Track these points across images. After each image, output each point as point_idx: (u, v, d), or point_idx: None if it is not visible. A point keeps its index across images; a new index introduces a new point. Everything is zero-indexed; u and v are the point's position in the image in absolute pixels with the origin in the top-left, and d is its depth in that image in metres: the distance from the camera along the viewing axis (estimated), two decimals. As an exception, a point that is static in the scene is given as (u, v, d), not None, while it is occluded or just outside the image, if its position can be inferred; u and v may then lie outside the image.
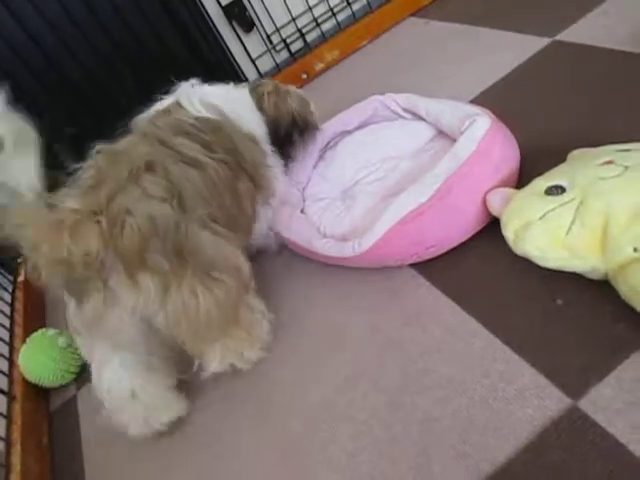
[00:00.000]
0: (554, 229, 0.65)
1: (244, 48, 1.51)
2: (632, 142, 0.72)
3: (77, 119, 1.38)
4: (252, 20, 1.48)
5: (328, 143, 1.12)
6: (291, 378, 0.80)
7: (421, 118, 1.05)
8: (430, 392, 0.68)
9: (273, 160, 0.98)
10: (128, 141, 0.83)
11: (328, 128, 1.11)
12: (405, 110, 1.09)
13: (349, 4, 1.57)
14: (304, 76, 1.57)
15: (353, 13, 1.58)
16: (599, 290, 0.66)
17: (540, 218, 0.67)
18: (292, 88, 1.05)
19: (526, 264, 0.70)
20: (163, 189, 0.73)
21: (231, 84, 1.00)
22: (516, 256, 0.71)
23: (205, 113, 0.89)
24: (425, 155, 0.98)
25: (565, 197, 0.67)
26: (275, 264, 1.00)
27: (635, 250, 0.59)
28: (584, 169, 0.69)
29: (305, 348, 0.83)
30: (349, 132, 1.12)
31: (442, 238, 0.81)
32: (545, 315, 0.69)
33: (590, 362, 0.62)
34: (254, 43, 1.53)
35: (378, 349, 0.77)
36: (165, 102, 0.93)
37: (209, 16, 1.44)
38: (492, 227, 0.78)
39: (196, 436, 0.81)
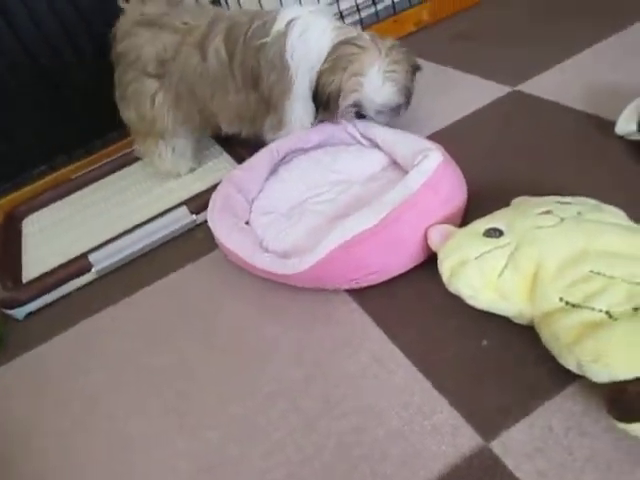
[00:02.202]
0: (488, 270, 0.66)
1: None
2: (573, 196, 0.74)
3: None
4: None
5: (283, 157, 1.12)
6: (214, 388, 0.77)
7: (377, 146, 1.06)
8: (348, 419, 0.67)
9: (299, 98, 1.04)
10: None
11: (285, 143, 1.10)
12: (363, 136, 1.10)
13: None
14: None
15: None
16: (524, 335, 0.68)
17: (476, 258, 0.68)
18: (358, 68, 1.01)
19: (458, 303, 0.71)
20: None
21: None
22: (449, 293, 0.72)
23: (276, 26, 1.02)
24: (377, 183, 0.99)
25: (502, 241, 0.68)
26: (213, 274, 0.98)
27: (560, 300, 0.60)
28: (523, 216, 0.71)
29: (232, 359, 0.81)
30: (305, 150, 1.12)
31: (383, 267, 0.81)
32: (469, 354, 0.69)
33: (507, 405, 0.63)
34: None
35: (303, 369, 0.75)
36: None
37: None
38: (431, 262, 0.78)
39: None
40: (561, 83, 1.15)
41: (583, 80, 1.13)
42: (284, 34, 1.03)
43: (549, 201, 0.73)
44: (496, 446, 0.59)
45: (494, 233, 0.70)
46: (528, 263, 0.64)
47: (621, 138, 0.93)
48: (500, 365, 0.67)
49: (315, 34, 1.02)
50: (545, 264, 0.63)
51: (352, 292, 0.84)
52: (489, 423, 0.62)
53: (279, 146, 1.10)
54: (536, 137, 1.03)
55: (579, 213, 0.69)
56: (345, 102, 1.03)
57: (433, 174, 0.84)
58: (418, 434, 0.63)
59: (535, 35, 1.39)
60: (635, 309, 0.54)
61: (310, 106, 1.07)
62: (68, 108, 1.39)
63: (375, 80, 1.00)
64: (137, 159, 1.38)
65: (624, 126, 0.91)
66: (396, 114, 1.08)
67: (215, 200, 1.00)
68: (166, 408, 0.77)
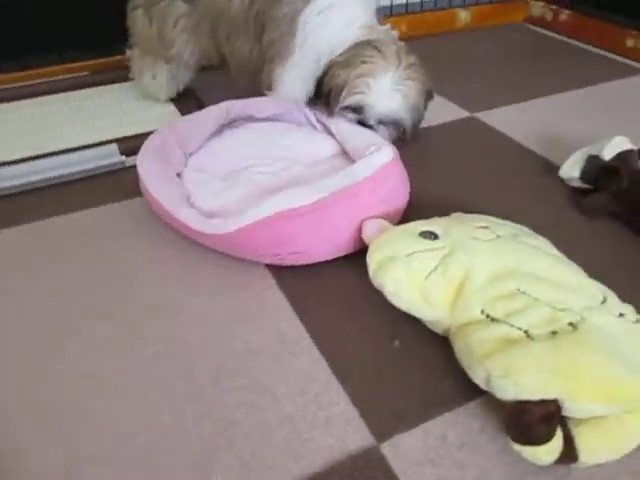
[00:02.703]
0: (416, 270, 0.64)
1: None
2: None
3: None
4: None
5: (232, 121, 1.06)
6: (94, 340, 0.70)
7: (330, 133, 1.03)
8: (238, 394, 0.62)
9: (293, 68, 1.00)
10: None
11: (238, 105, 1.04)
12: (318, 120, 1.06)
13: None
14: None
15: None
16: (437, 344, 0.66)
17: (406, 255, 0.65)
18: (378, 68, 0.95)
19: (378, 301, 0.68)
20: None
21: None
22: (371, 290, 0.68)
23: None
24: (321, 167, 0.95)
25: (436, 244, 0.66)
26: (127, 221, 0.90)
27: (482, 312, 0.58)
28: (461, 226, 0.69)
29: (123, 311, 0.73)
30: (256, 119, 1.07)
31: (309, 248, 0.77)
32: (379, 353, 0.67)
33: (405, 409, 0.60)
34: None
35: (201, 334, 0.70)
36: None
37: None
38: (361, 256, 0.75)
39: None
40: (517, 120, 1.18)
41: (537, 123, 1.16)
42: (306, 1, 0.97)
43: (488, 218, 0.73)
44: (386, 448, 0.56)
45: (429, 235, 0.68)
46: (457, 270, 0.62)
47: (562, 182, 0.95)
48: (407, 369, 0.64)
49: (340, 22, 0.97)
50: (473, 274, 0.61)
51: (272, 268, 0.79)
52: (384, 424, 0.59)
53: (230, 107, 1.04)
54: (484, 163, 1.04)
55: (514, 235, 0.68)
56: (346, 101, 0.97)
57: (380, 169, 0.81)
58: (309, 423, 0.59)
59: (503, 72, 1.42)
60: (553, 333, 0.53)
61: (304, 82, 1.03)
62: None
63: (384, 87, 0.95)
64: (83, 86, 1.29)
65: (568, 171, 0.93)
66: (399, 132, 1.01)
67: (149, 144, 0.93)
68: (37, 349, 0.68)
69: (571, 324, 0.54)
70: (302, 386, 0.63)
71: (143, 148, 0.92)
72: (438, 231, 0.68)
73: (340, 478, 0.54)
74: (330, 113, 1.01)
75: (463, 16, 1.71)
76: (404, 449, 0.56)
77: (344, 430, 0.58)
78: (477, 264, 0.62)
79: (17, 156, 1.02)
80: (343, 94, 0.96)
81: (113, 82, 1.33)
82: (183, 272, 0.80)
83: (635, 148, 0.86)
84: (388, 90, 0.95)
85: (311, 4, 0.98)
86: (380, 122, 0.99)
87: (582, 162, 0.91)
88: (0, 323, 0.72)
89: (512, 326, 0.55)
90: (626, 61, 1.46)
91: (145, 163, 0.89)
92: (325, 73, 0.99)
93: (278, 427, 0.59)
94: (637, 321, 0.57)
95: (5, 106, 1.24)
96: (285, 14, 0.99)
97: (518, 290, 0.58)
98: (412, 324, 0.68)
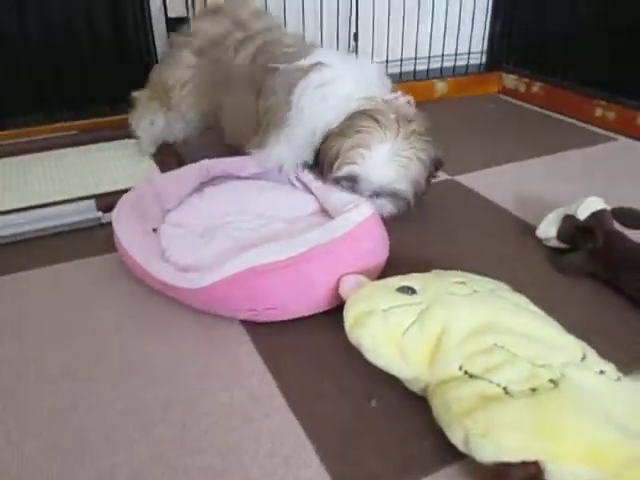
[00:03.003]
0: (393, 325, 0.62)
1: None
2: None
3: None
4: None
5: (213, 179, 1.06)
6: (62, 395, 0.66)
7: (310, 191, 1.04)
8: (202, 457, 0.58)
9: (286, 140, 0.99)
10: None
11: (219, 164, 1.06)
12: (297, 179, 1.07)
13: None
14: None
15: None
16: (415, 405, 0.63)
17: (384, 310, 0.63)
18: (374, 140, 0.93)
19: (354, 359, 0.66)
20: None
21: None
22: (347, 348, 0.66)
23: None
24: (300, 224, 0.95)
25: (413, 299, 0.65)
26: (100, 276, 0.88)
27: (460, 368, 0.56)
28: (438, 281, 0.68)
29: (89, 365, 0.70)
30: (237, 177, 1.08)
31: (285, 304, 0.75)
32: (354, 413, 0.63)
33: (380, 473, 0.56)
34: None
35: (169, 393, 0.66)
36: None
37: (151, 20, 1.40)
38: (337, 313, 0.73)
39: None
40: (494, 183, 1.20)
41: (514, 186, 1.19)
42: (304, 72, 0.97)
43: (466, 274, 0.72)
44: (359, 516, 0.53)
45: (407, 290, 0.66)
46: (434, 325, 0.60)
47: (540, 242, 0.95)
48: (383, 430, 0.61)
49: (337, 96, 0.95)
50: (450, 330, 0.59)
51: (247, 324, 0.77)
52: (357, 489, 0.55)
53: (211, 165, 1.05)
54: (463, 223, 1.05)
55: (492, 290, 0.67)
56: (339, 172, 0.94)
57: (359, 225, 0.81)
58: (277, 488, 0.55)
59: (480, 139, 1.47)
60: (533, 390, 0.51)
61: (296, 154, 1.02)
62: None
63: (379, 158, 0.92)
64: (67, 145, 1.30)
65: (545, 231, 0.94)
66: (399, 204, 0.97)
67: (126, 199, 0.92)
68: (-7, 406, 0.64)
69: (551, 381, 0.52)
70: (271, 448, 0.59)
71: (120, 202, 0.91)
72: (416, 286, 0.67)
73: None
74: (325, 181, 0.99)
75: (440, 87, 1.78)
76: (379, 517, 0.52)
77: (316, 496, 0.54)
78: (453, 319, 0.60)
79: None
80: (336, 165, 0.94)
81: (95, 142, 1.34)
82: (155, 327, 0.77)
83: (608, 208, 0.87)
84: (384, 161, 0.92)
85: (308, 77, 0.96)
86: (377, 194, 0.96)
87: (558, 222, 0.92)
88: (-46, 380, 0.68)
89: (490, 382, 0.53)
90: (595, 129, 1.52)
91: (120, 217, 0.88)
92: (321, 143, 0.97)
93: (244, 494, 0.55)
94: (618, 379, 0.55)
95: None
96: (281, 82, 0.99)
97: (496, 345, 0.57)
98: (389, 383, 0.65)
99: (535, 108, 1.71)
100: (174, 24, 1.40)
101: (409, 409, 0.63)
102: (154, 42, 1.44)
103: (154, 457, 0.58)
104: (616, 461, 0.48)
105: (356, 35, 1.65)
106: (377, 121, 0.92)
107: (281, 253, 0.75)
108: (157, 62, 1.42)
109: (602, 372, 0.55)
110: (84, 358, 0.71)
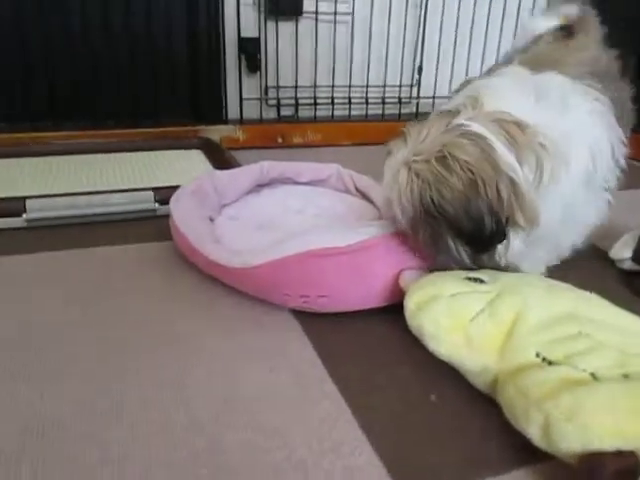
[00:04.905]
0: (460, 310, 0.57)
1: (239, 84, 1.49)
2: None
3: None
4: (259, 64, 1.49)
5: (270, 182, 1.05)
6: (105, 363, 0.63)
7: (369, 200, 1.01)
8: (243, 434, 0.53)
9: None
10: None
11: (277, 166, 1.05)
12: (357, 189, 1.05)
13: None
14: (279, 140, 1.55)
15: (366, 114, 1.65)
16: (478, 401, 0.57)
17: (450, 296, 0.59)
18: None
19: (414, 350, 0.61)
20: None
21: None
22: (406, 340, 0.62)
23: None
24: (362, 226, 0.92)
25: (483, 287, 0.60)
26: (150, 261, 0.87)
27: (537, 355, 0.50)
28: (510, 275, 0.63)
29: (139, 339, 0.67)
30: (293, 182, 1.06)
31: (340, 292, 0.71)
32: (411, 405, 0.58)
33: (438, 469, 0.50)
34: (248, 86, 1.52)
35: (209, 368, 0.62)
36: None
37: (224, 39, 1.45)
38: (394, 310, 0.68)
39: None
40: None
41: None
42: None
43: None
44: (416, 509, 0.46)
45: (476, 281, 0.62)
46: (507, 311, 0.55)
47: (613, 264, 0.89)
48: (443, 425, 0.55)
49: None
50: (526, 316, 0.54)
51: (297, 313, 0.73)
52: (413, 480, 0.49)
53: (270, 167, 1.04)
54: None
55: (570, 288, 0.61)
56: None
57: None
58: (324, 472, 0.49)
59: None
60: (625, 376, 0.45)
61: None
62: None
63: None
64: (130, 149, 1.34)
65: (619, 252, 0.88)
66: None
67: (186, 187, 0.92)
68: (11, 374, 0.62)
69: (647, 370, 0.46)
70: (320, 432, 0.54)
71: (179, 190, 0.91)
72: (485, 278, 0.62)
73: (359, 537, 0.44)
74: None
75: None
76: (438, 512, 0.46)
77: (366, 484, 0.49)
78: (530, 306, 0.55)
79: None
80: None
81: (160, 149, 1.37)
82: (199, 310, 0.74)
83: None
84: None
85: None
86: None
87: (633, 243, 0.86)
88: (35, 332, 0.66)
89: (575, 367, 0.47)
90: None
91: (180, 198, 0.87)
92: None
93: (285, 473, 0.49)
94: None
95: (63, 158, 1.29)
96: None
97: (580, 333, 0.51)
98: (450, 380, 0.60)
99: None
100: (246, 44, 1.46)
101: (472, 406, 0.57)
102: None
103: (190, 425, 0.54)
104: None
105: (420, 68, 1.66)
106: None
107: (340, 240, 0.71)
108: (225, 83, 1.47)
109: None
110: (126, 332, 0.68)
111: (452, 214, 0.60)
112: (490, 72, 0.81)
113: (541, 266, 0.76)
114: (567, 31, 0.84)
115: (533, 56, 0.78)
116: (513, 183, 0.60)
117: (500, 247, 0.64)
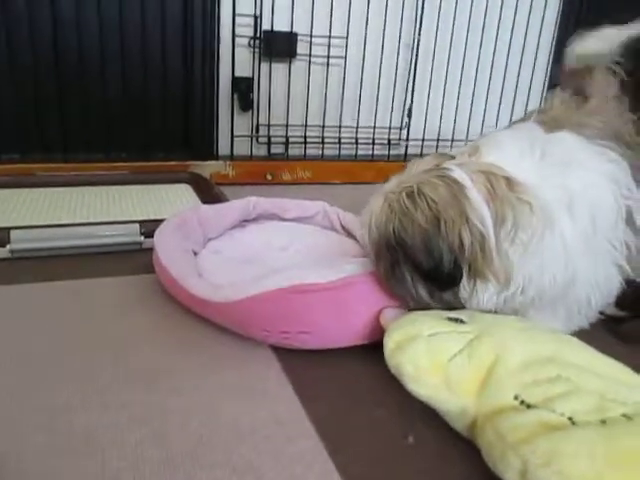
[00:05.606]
0: (438, 351, 0.56)
1: (231, 122, 1.51)
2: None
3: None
4: (251, 102, 1.51)
5: (256, 217, 1.06)
6: (79, 395, 0.61)
7: (354, 238, 1.01)
8: (217, 472, 0.52)
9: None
10: None
11: (264, 204, 1.05)
12: (343, 227, 1.05)
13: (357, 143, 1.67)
14: (269, 177, 1.56)
15: (356, 154, 1.68)
16: (458, 445, 0.56)
17: (429, 335, 0.58)
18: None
19: (391, 393, 0.61)
20: None
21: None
22: (385, 380, 0.61)
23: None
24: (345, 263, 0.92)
25: (462, 328, 0.59)
26: (132, 293, 0.86)
27: (516, 398, 0.50)
28: (491, 315, 0.63)
29: (115, 373, 0.65)
30: (280, 218, 1.07)
31: (321, 328, 0.70)
32: (388, 448, 0.56)
33: (416, 515, 0.49)
34: (240, 124, 1.54)
35: (187, 404, 0.60)
36: None
37: (218, 77, 1.47)
38: (374, 349, 0.68)
39: None
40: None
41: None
42: None
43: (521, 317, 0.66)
44: None
45: (456, 320, 0.61)
46: (487, 353, 0.54)
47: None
48: (421, 469, 0.54)
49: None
50: (505, 358, 0.53)
51: (277, 350, 0.72)
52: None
53: (257, 203, 1.05)
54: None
55: (552, 330, 0.61)
56: None
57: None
58: (297, 516, 0.48)
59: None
60: (603, 422, 0.44)
61: None
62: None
63: None
64: (121, 182, 1.35)
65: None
66: None
67: (171, 220, 0.92)
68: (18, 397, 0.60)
69: (625, 415, 0.45)
70: (294, 473, 0.52)
71: (164, 223, 0.91)
72: (465, 318, 0.62)
73: None
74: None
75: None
76: None
77: (340, 529, 0.47)
78: (509, 348, 0.54)
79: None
80: None
81: (148, 183, 1.37)
82: (180, 344, 0.73)
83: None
84: None
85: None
86: None
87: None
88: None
89: (553, 411, 0.46)
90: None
91: (163, 234, 0.87)
92: None
93: (258, 516, 0.48)
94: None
95: (53, 190, 1.28)
96: None
97: (560, 376, 0.50)
98: (429, 421, 0.59)
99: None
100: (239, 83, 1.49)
101: (451, 449, 0.56)
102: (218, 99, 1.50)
103: (165, 463, 0.52)
104: None
105: (410, 111, 1.70)
106: None
107: (323, 276, 0.71)
108: (217, 120, 1.50)
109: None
110: (102, 364, 0.67)
111: (409, 246, 0.62)
112: (510, 126, 0.81)
113: (559, 324, 0.72)
114: (581, 93, 0.81)
115: (551, 117, 0.76)
116: (481, 235, 0.60)
117: (463, 291, 0.63)
